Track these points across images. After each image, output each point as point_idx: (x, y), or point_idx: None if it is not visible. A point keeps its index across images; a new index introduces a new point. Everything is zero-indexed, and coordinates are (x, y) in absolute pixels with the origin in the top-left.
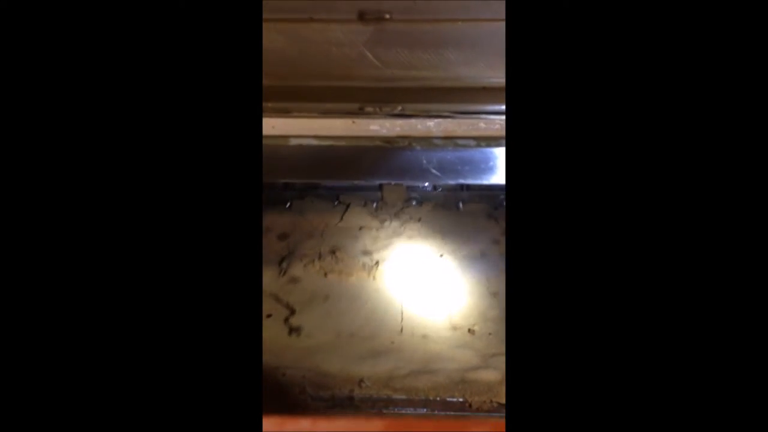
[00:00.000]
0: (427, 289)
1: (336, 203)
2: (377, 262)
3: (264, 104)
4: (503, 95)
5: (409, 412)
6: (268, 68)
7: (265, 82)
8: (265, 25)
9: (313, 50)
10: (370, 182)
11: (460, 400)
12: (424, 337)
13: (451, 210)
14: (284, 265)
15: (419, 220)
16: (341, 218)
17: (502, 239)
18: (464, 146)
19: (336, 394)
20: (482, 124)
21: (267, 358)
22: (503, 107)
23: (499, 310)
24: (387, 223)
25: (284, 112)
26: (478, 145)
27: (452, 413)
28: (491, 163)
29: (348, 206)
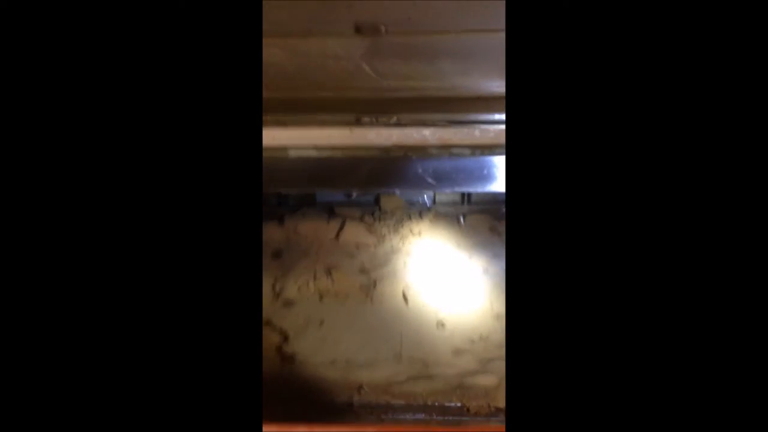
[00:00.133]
0: (427, 310)
1: (332, 217)
2: (375, 283)
3: (264, 116)
4: (498, 104)
5: (407, 417)
6: (268, 81)
7: (265, 94)
8: (264, 40)
9: (311, 63)
10: (367, 192)
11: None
12: (425, 365)
13: (453, 223)
14: (278, 287)
15: (419, 233)
16: (337, 236)
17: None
18: (459, 155)
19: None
20: (477, 133)
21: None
22: (497, 116)
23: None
24: (386, 239)
25: (283, 124)
26: (473, 154)
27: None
28: (485, 171)
29: (344, 222)
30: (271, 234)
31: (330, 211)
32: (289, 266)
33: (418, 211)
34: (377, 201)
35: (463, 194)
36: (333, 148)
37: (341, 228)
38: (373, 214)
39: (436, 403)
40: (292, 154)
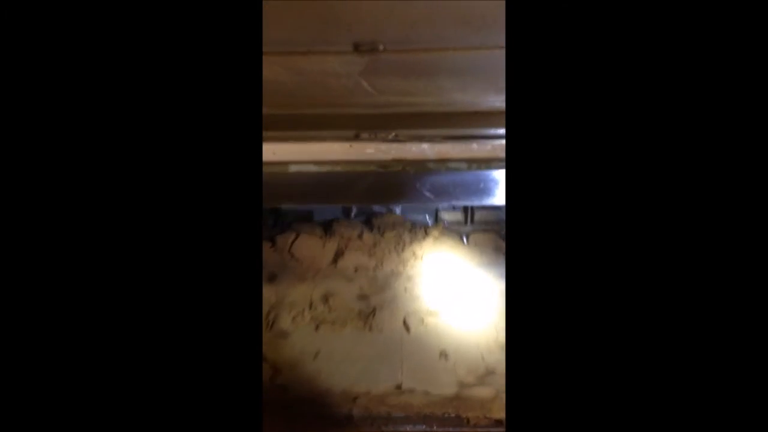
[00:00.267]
0: (429, 339)
1: (329, 235)
2: (374, 310)
3: (264, 132)
4: (496, 118)
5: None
6: (269, 98)
7: (266, 110)
8: (265, 58)
9: (310, 81)
10: (366, 205)
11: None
12: (426, 394)
13: (457, 242)
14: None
15: (421, 256)
16: (335, 260)
17: None
18: (456, 169)
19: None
20: (475, 147)
21: None
22: (495, 130)
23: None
24: (386, 261)
25: (283, 139)
26: (470, 168)
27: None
28: (482, 185)
29: (342, 243)
30: (266, 256)
31: (328, 228)
32: (284, 294)
33: (420, 230)
34: (377, 219)
35: (466, 213)
36: (332, 162)
37: (339, 251)
38: (372, 230)
39: None
40: (292, 169)
